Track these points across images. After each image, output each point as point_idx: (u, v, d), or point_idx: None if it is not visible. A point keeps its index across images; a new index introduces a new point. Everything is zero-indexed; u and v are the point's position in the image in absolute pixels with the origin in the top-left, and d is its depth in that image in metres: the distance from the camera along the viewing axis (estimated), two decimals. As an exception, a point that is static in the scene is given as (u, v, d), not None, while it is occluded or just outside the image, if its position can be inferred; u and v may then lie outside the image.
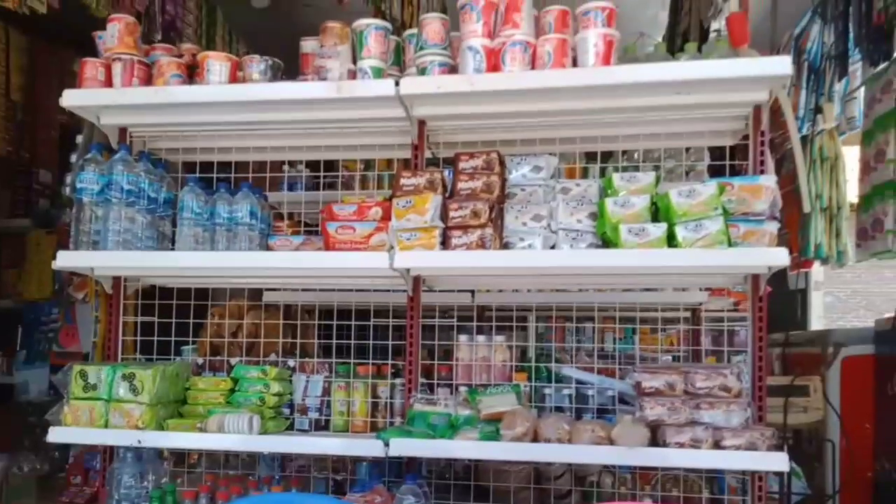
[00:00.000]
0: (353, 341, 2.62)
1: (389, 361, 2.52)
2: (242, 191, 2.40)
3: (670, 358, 3.27)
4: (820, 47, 3.35)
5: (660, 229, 2.02)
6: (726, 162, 2.50)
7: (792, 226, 3.38)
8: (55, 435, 2.28)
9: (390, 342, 2.57)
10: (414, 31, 2.38)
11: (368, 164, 3.45)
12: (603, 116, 2.32)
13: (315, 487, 2.53)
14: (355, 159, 3.15)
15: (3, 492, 3.23)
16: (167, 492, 2.28)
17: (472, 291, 2.96)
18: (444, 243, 2.15)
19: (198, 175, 2.58)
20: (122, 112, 2.47)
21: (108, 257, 2.31)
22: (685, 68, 2.12)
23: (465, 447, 2.09)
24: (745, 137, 2.32)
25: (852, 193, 3.40)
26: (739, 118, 2.32)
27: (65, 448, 3.36)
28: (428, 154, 2.45)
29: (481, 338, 2.50)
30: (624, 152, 2.99)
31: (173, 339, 2.63)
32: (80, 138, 3.26)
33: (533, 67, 2.14)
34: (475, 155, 2.29)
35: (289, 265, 2.33)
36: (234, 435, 2.17)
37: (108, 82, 2.40)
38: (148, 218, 2.37)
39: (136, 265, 2.39)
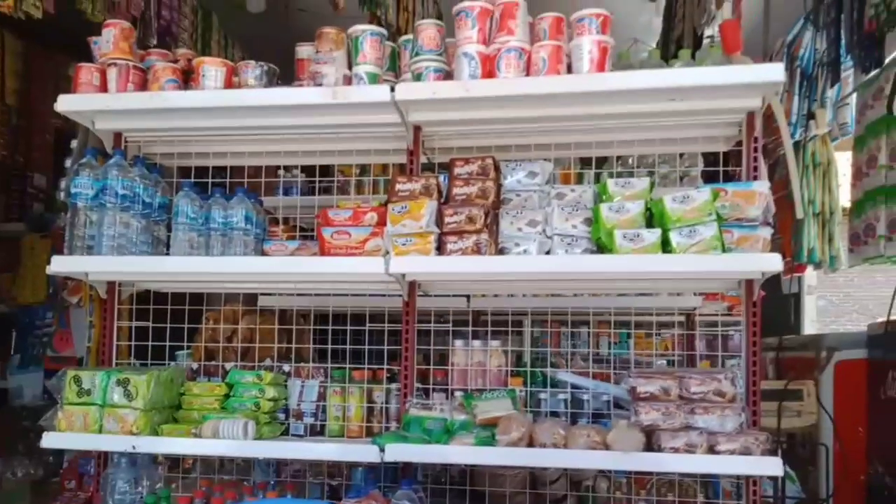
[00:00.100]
0: (348, 346, 2.62)
1: (385, 366, 2.52)
2: (238, 195, 2.40)
3: (665, 362, 3.29)
4: (812, 54, 3.38)
5: (654, 235, 2.03)
6: (720, 168, 2.51)
7: (785, 230, 3.40)
8: (49, 440, 2.28)
9: (386, 347, 2.57)
10: (409, 37, 2.39)
11: (364, 169, 3.46)
12: (598, 122, 2.34)
13: (310, 493, 2.52)
14: (351, 164, 3.15)
15: (-4, 497, 3.22)
16: (162, 497, 2.27)
17: (468, 296, 2.96)
18: (440, 248, 2.16)
19: (193, 180, 2.58)
20: (117, 117, 2.47)
21: (103, 262, 2.31)
22: (679, 75, 2.14)
23: (461, 452, 2.10)
24: (739, 143, 2.34)
25: (845, 199, 3.43)
26: (733, 124, 2.34)
27: (59, 453, 3.34)
28: (423, 159, 2.46)
29: (477, 342, 2.50)
30: (618, 158, 3.00)
31: (168, 344, 2.63)
32: (74, 143, 3.25)
33: (528, 74, 2.15)
34: (470, 160, 2.29)
35: (284, 270, 2.33)
36: (228, 440, 2.17)
37: (104, 87, 2.40)
38: (143, 223, 2.36)
39: (131, 270, 2.38)
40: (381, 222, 2.22)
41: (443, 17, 3.64)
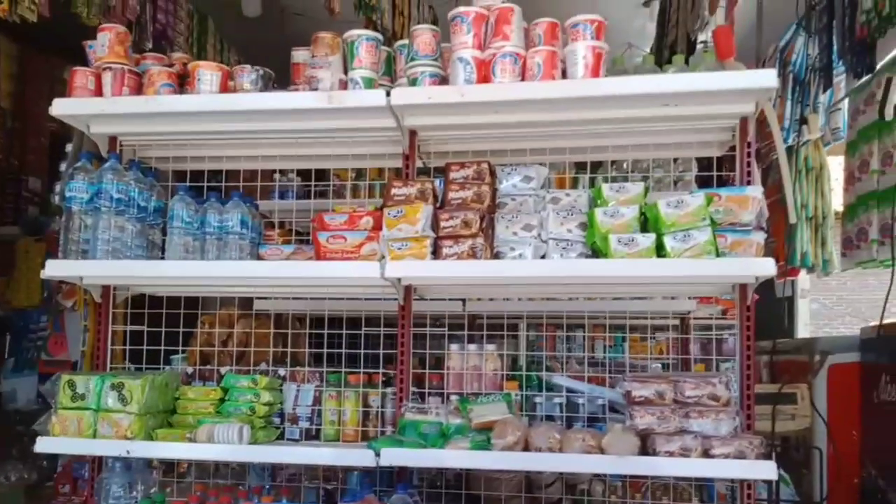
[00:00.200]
0: (344, 350, 2.62)
1: (380, 370, 2.52)
2: (233, 199, 2.40)
3: (660, 365, 3.29)
4: (805, 59, 3.40)
5: (649, 239, 2.04)
6: (714, 172, 2.53)
7: (778, 234, 3.42)
8: (43, 445, 2.27)
9: (381, 351, 2.57)
10: (405, 42, 2.40)
11: (360, 174, 3.46)
12: (592, 127, 2.35)
13: (306, 497, 2.52)
14: (347, 168, 3.15)
15: (-11, 502, 3.20)
16: (156, 502, 2.27)
17: (464, 300, 2.97)
18: (436, 253, 2.16)
19: (188, 184, 2.58)
20: (112, 121, 2.47)
21: (98, 266, 2.30)
22: (673, 80, 2.15)
23: (457, 456, 2.10)
24: (732, 148, 2.36)
25: (837, 203, 3.45)
26: (726, 129, 2.35)
27: (53, 457, 3.34)
28: (419, 164, 2.47)
29: (472, 346, 2.51)
30: (613, 162, 3.02)
31: (163, 348, 2.62)
32: (69, 147, 3.25)
33: (523, 79, 2.16)
34: (466, 165, 2.30)
35: (279, 275, 2.33)
36: (223, 445, 2.17)
37: (99, 91, 2.39)
38: (137, 227, 2.36)
39: (126, 274, 2.38)
40: (377, 226, 2.22)
41: (438, 23, 3.66)
